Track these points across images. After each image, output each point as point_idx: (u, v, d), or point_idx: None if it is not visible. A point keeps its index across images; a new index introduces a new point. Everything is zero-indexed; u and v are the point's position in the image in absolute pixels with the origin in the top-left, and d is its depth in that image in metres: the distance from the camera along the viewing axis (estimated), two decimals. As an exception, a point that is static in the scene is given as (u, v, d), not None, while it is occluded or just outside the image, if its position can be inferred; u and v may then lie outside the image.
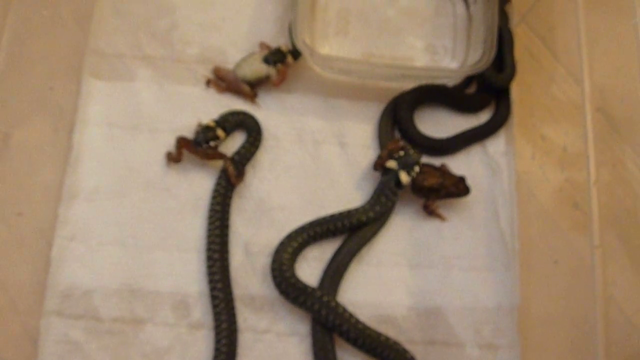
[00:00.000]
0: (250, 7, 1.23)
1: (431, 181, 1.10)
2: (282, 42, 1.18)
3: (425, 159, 1.14)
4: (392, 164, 1.10)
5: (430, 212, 1.12)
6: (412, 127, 1.16)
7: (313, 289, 1.05)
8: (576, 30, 1.11)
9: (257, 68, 1.15)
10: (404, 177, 1.09)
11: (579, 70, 1.12)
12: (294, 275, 1.06)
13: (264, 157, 1.15)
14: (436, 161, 1.15)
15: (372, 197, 1.11)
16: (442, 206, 1.14)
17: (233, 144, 1.15)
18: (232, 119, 1.14)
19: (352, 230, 1.10)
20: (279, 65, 1.15)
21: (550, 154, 1.16)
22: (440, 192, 1.10)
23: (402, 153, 1.11)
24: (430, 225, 1.13)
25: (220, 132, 1.11)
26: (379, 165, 1.12)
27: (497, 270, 1.11)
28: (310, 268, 1.10)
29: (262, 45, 1.19)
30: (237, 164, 1.12)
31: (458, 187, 1.11)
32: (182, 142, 1.11)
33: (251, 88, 1.16)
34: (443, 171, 1.12)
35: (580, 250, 1.10)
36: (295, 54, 1.16)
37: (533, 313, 1.09)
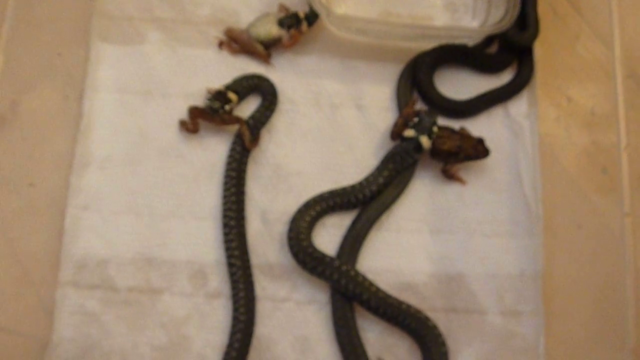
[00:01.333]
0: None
1: (449, 144, 1.07)
2: (300, 8, 1.14)
3: (444, 122, 1.11)
4: (410, 132, 1.08)
5: (449, 176, 1.10)
6: (431, 89, 1.14)
7: (331, 258, 1.03)
8: None
9: (270, 29, 1.12)
10: (426, 142, 1.07)
11: (605, 29, 1.10)
12: (311, 245, 1.04)
13: (280, 122, 1.13)
14: (456, 124, 1.12)
15: (389, 164, 1.08)
16: (462, 170, 1.11)
17: (248, 108, 1.12)
18: (246, 82, 1.12)
19: (372, 199, 1.08)
20: (293, 31, 1.12)
21: (576, 116, 1.13)
22: (459, 155, 1.08)
23: (416, 119, 1.09)
24: (451, 190, 1.11)
25: (232, 95, 1.09)
26: (395, 134, 1.10)
27: (520, 235, 1.09)
28: (329, 235, 1.08)
29: (281, 7, 1.15)
30: (252, 128, 1.09)
31: (477, 150, 1.09)
32: (195, 112, 1.09)
33: (265, 48, 1.13)
34: (461, 134, 1.09)
35: (606, 216, 1.09)
36: (311, 20, 1.13)
37: (557, 279, 1.07)
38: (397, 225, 1.09)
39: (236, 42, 1.14)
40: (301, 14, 1.13)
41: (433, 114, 1.09)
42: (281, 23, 1.12)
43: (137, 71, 1.13)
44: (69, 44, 1.13)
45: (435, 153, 1.08)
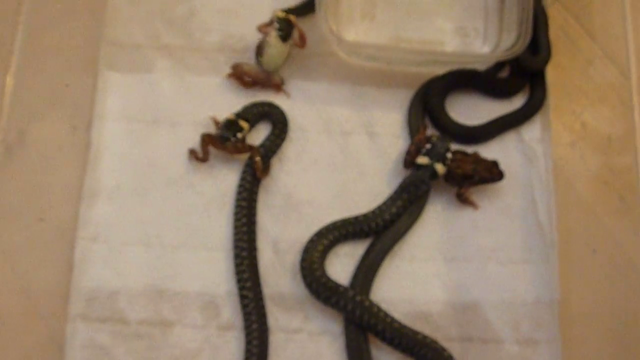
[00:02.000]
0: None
1: (464, 168, 1.06)
2: (275, 11, 1.12)
3: (456, 147, 1.10)
4: (424, 160, 1.07)
5: (463, 200, 1.09)
6: (443, 114, 1.12)
7: (345, 288, 1.02)
8: (620, 11, 1.06)
9: (283, 50, 1.11)
10: (441, 169, 1.06)
11: (619, 53, 1.09)
12: (324, 275, 1.02)
13: (290, 149, 1.11)
14: (469, 150, 1.10)
15: (403, 193, 1.07)
16: (476, 197, 1.10)
17: (257, 136, 1.11)
18: (256, 110, 1.10)
19: (385, 228, 1.07)
20: (294, 35, 1.11)
21: (590, 140, 1.12)
22: (474, 178, 1.07)
23: (428, 145, 1.07)
24: (465, 217, 1.09)
25: (243, 123, 1.07)
26: (408, 162, 1.09)
27: (535, 262, 1.07)
28: (341, 264, 1.06)
29: (263, 28, 1.12)
30: (262, 157, 1.08)
31: (492, 172, 1.07)
32: (207, 140, 1.07)
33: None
34: (475, 157, 1.08)
35: (622, 241, 1.08)
36: (297, 11, 1.12)
37: (573, 306, 1.06)
38: (410, 254, 1.07)
39: (247, 75, 1.12)
40: (281, 14, 1.10)
41: (446, 139, 1.08)
42: (284, 38, 1.10)
43: (145, 99, 1.11)
44: (76, 73, 1.12)
45: (450, 177, 1.07)
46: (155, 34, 1.15)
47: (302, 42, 1.12)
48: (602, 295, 1.07)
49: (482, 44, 1.17)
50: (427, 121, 1.13)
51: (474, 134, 1.12)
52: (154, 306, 1.03)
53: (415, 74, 1.14)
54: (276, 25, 1.10)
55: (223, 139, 1.06)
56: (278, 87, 1.12)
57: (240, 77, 1.12)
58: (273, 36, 1.10)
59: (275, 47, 1.10)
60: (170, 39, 1.15)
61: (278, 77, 1.12)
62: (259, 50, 1.11)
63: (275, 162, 1.10)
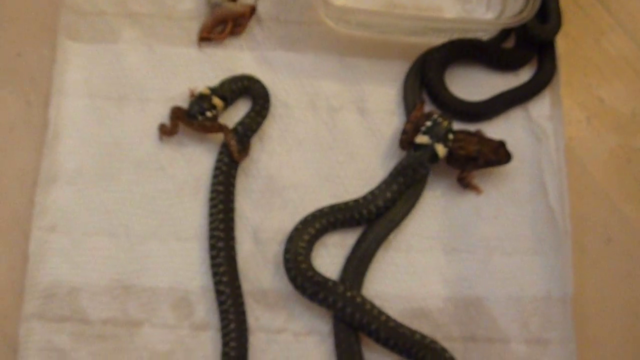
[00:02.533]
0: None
1: (468, 149, 0.99)
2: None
3: (458, 126, 1.02)
4: (423, 139, 0.99)
5: (465, 184, 1.01)
6: (443, 89, 1.04)
7: (335, 283, 0.94)
8: None
9: None
10: (441, 150, 0.98)
11: (635, 24, 1.01)
12: (311, 268, 0.95)
13: (273, 128, 1.04)
14: (471, 128, 1.03)
15: (399, 177, 0.99)
16: (479, 180, 1.02)
17: (236, 113, 1.03)
18: (234, 86, 1.03)
19: (379, 216, 0.99)
20: None
21: (604, 118, 1.06)
22: (479, 160, 0.99)
23: (429, 123, 0.99)
24: (467, 203, 1.02)
25: (217, 101, 1.00)
26: (405, 142, 1.01)
27: (546, 253, 1.00)
28: (330, 256, 0.99)
29: None
30: (241, 136, 1.00)
31: (498, 154, 1.00)
32: (177, 113, 1.00)
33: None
34: (480, 137, 1.01)
35: (639, 228, 1.02)
36: None
37: (587, 301, 0.99)
38: (407, 244, 1.00)
39: (213, 23, 1.05)
40: None
41: (447, 117, 1.00)
42: None
43: (110, 73, 1.04)
44: (32, 43, 1.04)
45: (452, 159, 1.00)
46: (121, 0, 1.07)
47: None
48: (619, 290, 1.01)
49: (484, 11, 1.10)
50: (425, 96, 1.06)
51: (476, 110, 1.05)
52: (120, 304, 0.96)
53: (411, 44, 1.07)
54: None
55: (190, 115, 0.99)
56: (247, 14, 1.05)
57: (209, 33, 1.05)
58: None
59: None
60: (138, 5, 1.08)
61: (239, 5, 1.05)
62: None
63: (255, 142, 1.03)
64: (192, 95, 1.01)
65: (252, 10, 1.06)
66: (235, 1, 1.05)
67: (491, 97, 1.05)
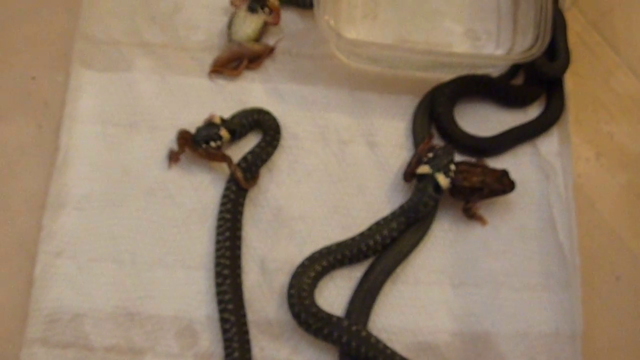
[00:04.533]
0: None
1: (472, 180, 0.98)
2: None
3: (461, 158, 1.02)
4: (424, 169, 0.98)
5: (471, 215, 1.00)
6: (451, 124, 1.04)
7: (339, 318, 0.92)
8: None
9: (252, 22, 1.06)
10: (443, 180, 0.97)
11: None
12: (314, 304, 0.93)
13: (282, 159, 1.03)
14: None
15: (407, 202, 0.98)
16: (487, 215, 1.01)
17: (247, 143, 1.03)
18: (245, 120, 1.02)
19: (386, 246, 0.98)
20: (266, 9, 1.07)
21: (612, 155, 1.05)
22: (484, 190, 0.98)
23: (430, 155, 0.99)
24: (475, 237, 1.00)
25: (224, 132, 0.99)
26: (408, 174, 1.00)
27: (554, 289, 0.98)
28: (337, 288, 0.97)
29: (235, 2, 1.09)
30: (250, 165, 1.00)
31: (502, 183, 0.99)
32: (184, 135, 1.00)
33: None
34: (483, 167, 1.00)
35: None
36: None
37: (596, 338, 0.97)
38: (414, 278, 0.98)
39: (227, 60, 1.06)
40: None
41: (449, 149, 1.00)
42: (252, 9, 1.06)
43: (122, 101, 1.05)
44: (46, 69, 1.05)
45: (456, 191, 0.99)
46: (135, 30, 1.08)
47: (276, 18, 1.08)
48: (628, 328, 0.99)
49: (494, 48, 1.10)
50: (434, 131, 1.06)
51: (485, 145, 1.04)
52: (124, 331, 0.94)
53: (421, 79, 1.07)
54: (242, 2, 1.09)
55: (196, 142, 0.98)
56: (265, 53, 1.06)
57: (223, 66, 1.06)
58: (242, 7, 1.07)
59: (243, 18, 1.06)
60: (151, 36, 1.09)
61: (260, 45, 1.06)
62: (229, 22, 1.07)
63: (264, 173, 1.02)
64: (210, 120, 1.01)
65: (271, 50, 1.07)
66: (258, 41, 1.07)
67: (500, 133, 1.05)
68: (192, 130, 1.00)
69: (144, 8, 1.09)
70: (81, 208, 0.98)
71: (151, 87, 1.05)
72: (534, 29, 1.02)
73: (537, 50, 0.99)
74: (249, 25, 1.05)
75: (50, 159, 1.00)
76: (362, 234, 0.97)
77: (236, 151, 1.01)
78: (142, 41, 1.07)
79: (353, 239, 0.97)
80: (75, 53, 1.06)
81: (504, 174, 0.99)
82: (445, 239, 1.00)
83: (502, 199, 1.01)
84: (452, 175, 0.98)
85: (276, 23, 1.07)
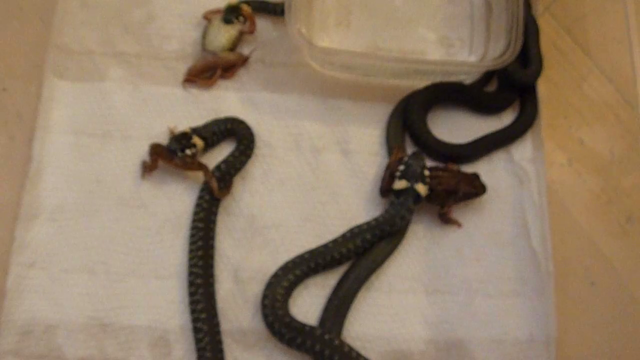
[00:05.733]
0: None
1: (446, 183, 0.98)
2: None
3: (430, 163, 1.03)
4: (402, 184, 0.97)
5: (446, 220, 1.00)
6: (425, 131, 1.04)
7: (312, 327, 0.92)
8: (619, 27, 1.00)
9: (227, 31, 1.06)
10: (422, 189, 0.97)
11: (616, 69, 1.01)
12: (288, 314, 0.93)
13: (256, 168, 1.03)
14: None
15: (383, 214, 0.98)
16: (461, 221, 1.01)
17: (221, 152, 1.02)
18: (217, 128, 1.02)
19: (359, 255, 0.97)
20: (241, 18, 1.06)
21: (586, 160, 1.04)
22: (458, 194, 0.98)
23: (402, 167, 0.98)
24: (449, 244, 1.00)
25: (197, 140, 0.99)
26: (385, 190, 1.00)
27: (529, 295, 0.98)
28: (311, 297, 0.97)
29: (209, 14, 1.08)
30: (223, 174, 0.99)
31: (474, 185, 1.00)
32: (156, 149, 0.99)
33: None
34: (454, 171, 1.00)
35: (622, 272, 1.00)
36: (250, 5, 1.08)
37: (570, 345, 0.97)
38: (388, 285, 0.98)
39: (201, 69, 1.06)
40: (234, 1, 1.07)
41: (419, 156, 0.99)
42: (227, 20, 1.06)
43: (95, 111, 1.04)
44: (18, 80, 1.03)
45: (432, 196, 0.99)
46: (109, 40, 1.08)
47: (252, 26, 1.07)
48: (603, 334, 0.98)
49: (467, 55, 1.10)
50: (407, 138, 1.05)
51: (459, 153, 1.04)
52: (97, 342, 0.94)
53: (394, 86, 1.07)
54: (221, 12, 1.07)
55: (170, 152, 0.97)
56: (239, 63, 1.06)
57: (197, 76, 1.06)
58: (216, 18, 1.07)
59: (217, 28, 1.06)
60: (125, 45, 1.08)
61: (234, 54, 1.06)
62: (204, 32, 1.07)
63: (238, 181, 1.01)
64: (172, 133, 1.00)
65: (245, 59, 1.06)
66: (233, 50, 1.06)
67: (474, 140, 1.04)
68: (164, 141, 0.99)
69: (118, 18, 1.08)
70: (54, 219, 0.98)
71: (124, 96, 1.04)
72: (506, 35, 1.02)
73: (509, 57, 0.99)
74: (223, 35, 1.05)
75: (23, 169, 0.99)
76: (335, 241, 0.97)
77: (210, 160, 1.00)
78: (115, 51, 1.06)
79: (326, 246, 0.96)
80: (48, 63, 1.05)
81: (476, 177, 1.00)
82: (419, 246, 1.00)
83: (476, 205, 1.01)
84: (428, 182, 0.97)
85: (252, 32, 1.07)
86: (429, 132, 1.04)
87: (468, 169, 1.03)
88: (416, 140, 1.04)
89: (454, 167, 1.01)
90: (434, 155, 1.03)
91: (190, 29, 1.08)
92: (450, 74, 1.06)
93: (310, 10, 1.09)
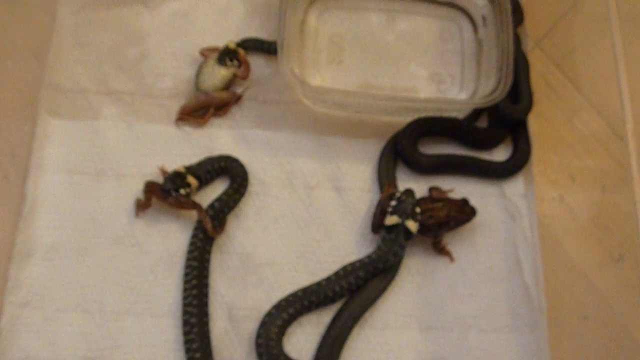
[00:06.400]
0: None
1: (438, 216, 0.98)
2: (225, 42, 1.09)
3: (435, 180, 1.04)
4: (392, 219, 0.98)
5: (440, 250, 1.01)
6: (415, 151, 1.04)
7: None
8: (607, 60, 1.00)
9: (219, 72, 1.06)
10: (413, 226, 0.97)
11: (606, 103, 1.02)
12: (282, 353, 0.92)
13: (250, 205, 1.03)
14: (424, 185, 1.04)
15: (375, 251, 0.98)
16: (455, 256, 1.01)
17: (214, 190, 1.02)
18: (211, 167, 1.02)
19: (353, 292, 0.97)
20: (236, 62, 1.06)
21: (577, 195, 1.04)
22: (450, 223, 0.99)
23: (393, 202, 0.99)
24: (443, 281, 1.00)
25: (191, 179, 0.99)
26: (376, 226, 1.00)
27: (522, 330, 0.98)
28: (305, 334, 0.96)
29: (205, 52, 1.09)
30: (217, 212, 0.99)
31: (465, 212, 1.00)
32: (150, 187, 0.99)
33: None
34: (443, 199, 1.00)
35: (615, 305, 0.98)
36: (245, 45, 1.09)
37: None
38: (383, 322, 0.98)
39: (194, 108, 1.06)
40: (231, 45, 1.08)
41: (411, 193, 1.00)
42: (221, 61, 1.06)
43: (89, 149, 1.04)
44: (12, 118, 1.03)
45: (424, 229, 0.99)
46: (102, 78, 1.08)
47: (245, 72, 1.07)
48: None
49: (458, 91, 1.10)
50: (398, 175, 1.06)
51: (453, 161, 1.06)
52: None
53: (386, 123, 1.07)
54: (217, 53, 1.08)
55: (165, 191, 0.97)
56: (232, 101, 1.07)
57: (190, 114, 1.06)
58: (211, 57, 1.07)
59: (211, 68, 1.06)
60: (118, 83, 1.08)
61: (227, 92, 1.06)
62: (198, 71, 1.07)
63: (231, 219, 1.01)
64: (163, 173, 1.00)
65: (238, 98, 1.07)
66: (226, 89, 1.07)
67: (466, 155, 1.05)
68: (159, 179, 0.99)
69: (111, 56, 1.08)
70: (48, 258, 0.97)
71: (118, 134, 1.04)
72: (496, 72, 1.03)
73: (499, 95, 1.00)
74: (217, 76, 1.05)
75: (17, 208, 0.99)
76: (328, 279, 0.97)
77: (203, 197, 1.01)
78: (109, 89, 1.07)
79: (319, 284, 0.96)
80: (42, 101, 1.05)
81: (465, 202, 1.00)
82: (412, 282, 1.00)
83: (469, 240, 1.02)
84: (419, 218, 0.98)
85: (246, 77, 1.07)
86: (418, 151, 1.04)
87: (456, 194, 1.03)
88: (407, 161, 1.04)
89: (442, 193, 1.02)
90: (427, 169, 1.04)
91: (183, 66, 1.09)
92: (441, 110, 1.06)
93: (302, 47, 1.09)
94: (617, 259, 1.00)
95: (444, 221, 0.98)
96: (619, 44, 1.10)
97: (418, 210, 0.98)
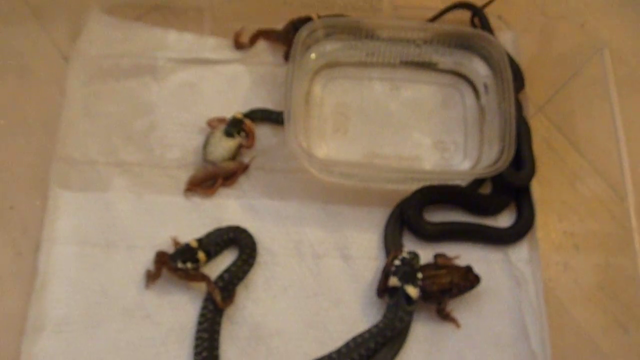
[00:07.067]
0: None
1: (441, 282, 0.99)
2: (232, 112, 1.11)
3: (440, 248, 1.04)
4: (393, 281, 0.98)
5: (444, 316, 1.01)
6: (420, 220, 1.05)
7: None
8: (606, 124, 1.02)
9: (226, 143, 1.07)
10: (412, 291, 0.97)
11: (608, 166, 1.03)
12: None
13: (259, 275, 1.03)
14: (429, 252, 1.04)
15: (382, 320, 0.98)
16: (462, 323, 1.01)
17: (223, 260, 1.03)
18: (220, 239, 1.03)
19: None
20: (243, 133, 1.08)
21: (582, 260, 1.05)
22: (453, 290, 0.99)
23: (397, 262, 0.99)
24: (450, 348, 1.00)
25: (201, 255, 0.99)
26: (381, 291, 1.01)
27: None
28: None
29: (212, 123, 1.10)
30: (227, 283, 1.00)
31: (469, 279, 1.00)
32: (161, 257, 1.00)
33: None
34: (447, 266, 1.01)
35: None
36: (253, 115, 1.11)
37: None
38: None
39: (202, 179, 1.07)
40: (238, 115, 1.10)
41: (415, 257, 1.01)
42: (228, 133, 1.08)
43: (100, 220, 1.05)
44: (24, 194, 1.05)
45: (427, 296, 0.99)
46: (111, 149, 1.09)
47: (251, 141, 1.09)
48: None
49: (462, 158, 1.11)
50: (404, 242, 1.06)
51: (459, 228, 1.06)
52: None
53: (392, 191, 1.08)
54: (225, 124, 1.10)
55: (174, 264, 0.98)
56: (240, 171, 1.08)
57: (198, 185, 1.07)
58: (218, 129, 1.08)
59: (218, 139, 1.07)
60: (127, 154, 1.09)
61: (234, 162, 1.08)
62: (205, 142, 1.09)
63: (241, 289, 1.02)
64: (175, 244, 1.01)
65: (245, 167, 1.08)
66: (234, 159, 1.08)
67: (470, 222, 1.06)
68: (170, 249, 1.00)
69: (120, 127, 1.10)
70: (60, 331, 0.97)
71: (128, 206, 1.05)
72: (499, 141, 1.04)
73: (502, 165, 1.01)
74: (224, 147, 1.06)
75: (28, 282, 0.99)
76: (339, 352, 0.96)
77: (212, 267, 1.01)
78: (118, 160, 1.08)
79: (330, 357, 0.96)
80: (52, 174, 1.06)
81: (469, 269, 1.00)
82: (420, 350, 0.99)
83: (475, 307, 1.02)
84: (420, 284, 0.98)
85: (251, 147, 1.09)
86: (423, 219, 1.05)
87: (461, 261, 1.04)
88: (414, 229, 1.05)
89: (448, 260, 1.02)
90: (433, 237, 1.05)
91: (191, 137, 1.10)
92: (445, 179, 1.07)
93: (308, 117, 1.11)
94: (624, 321, 1.00)
95: (446, 288, 0.98)
96: (617, 107, 1.12)
97: (420, 276, 0.98)
